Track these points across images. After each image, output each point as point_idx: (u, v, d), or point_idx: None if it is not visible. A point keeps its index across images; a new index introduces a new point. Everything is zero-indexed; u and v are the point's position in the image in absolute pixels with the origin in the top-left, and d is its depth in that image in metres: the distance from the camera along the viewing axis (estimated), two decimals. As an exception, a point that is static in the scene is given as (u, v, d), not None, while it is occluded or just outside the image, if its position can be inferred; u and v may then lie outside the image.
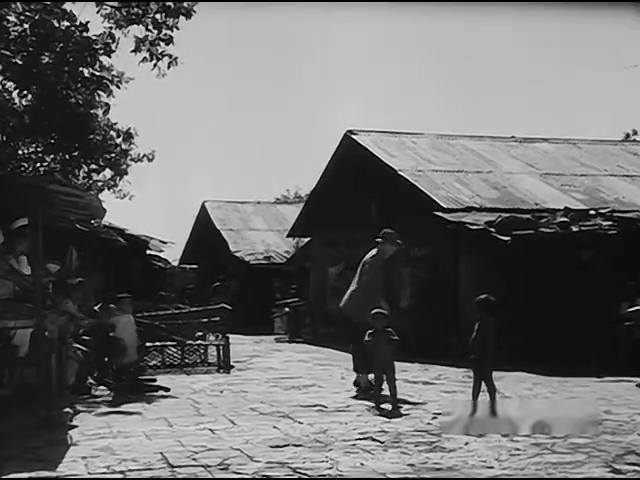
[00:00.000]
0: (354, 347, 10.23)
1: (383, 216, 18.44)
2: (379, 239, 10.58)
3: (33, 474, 5.70)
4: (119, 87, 18.62)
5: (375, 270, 10.47)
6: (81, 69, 17.38)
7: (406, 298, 15.82)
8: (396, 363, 8.98)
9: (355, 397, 9.70)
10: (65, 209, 9.01)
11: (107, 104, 19.47)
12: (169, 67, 16.92)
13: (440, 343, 14.97)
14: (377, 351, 8.79)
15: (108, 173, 22.98)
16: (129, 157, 22.49)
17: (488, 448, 6.43)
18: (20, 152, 20.00)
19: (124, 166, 22.60)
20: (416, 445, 6.59)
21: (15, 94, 18.56)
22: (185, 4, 16.36)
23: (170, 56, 16.91)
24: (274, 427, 7.50)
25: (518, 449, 6.39)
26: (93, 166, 21.34)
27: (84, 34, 16.72)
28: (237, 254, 29.01)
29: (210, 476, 5.65)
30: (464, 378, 10.97)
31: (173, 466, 5.87)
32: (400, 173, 17.62)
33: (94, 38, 16.84)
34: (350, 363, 10.59)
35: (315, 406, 8.86)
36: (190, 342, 13.51)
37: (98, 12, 16.66)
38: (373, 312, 8.93)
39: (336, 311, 21.36)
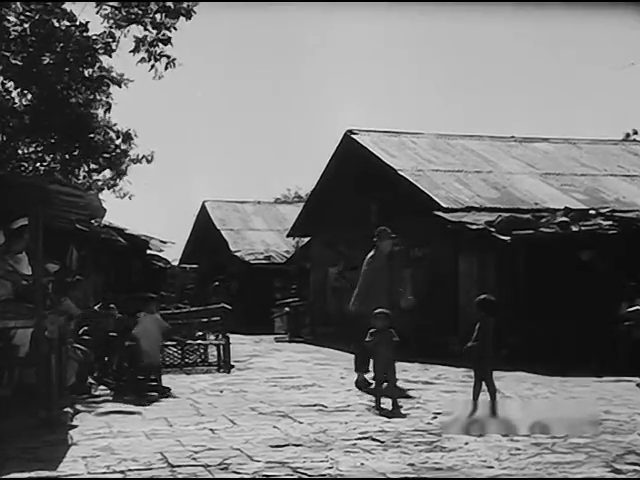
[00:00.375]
0: (357, 346, 10.29)
1: (383, 216, 18.44)
2: (375, 238, 10.96)
3: (33, 474, 5.71)
4: (120, 86, 18.63)
5: (378, 269, 10.67)
6: (81, 69, 17.39)
7: (405, 299, 15.82)
8: (396, 363, 8.98)
9: (367, 392, 9.74)
10: (65, 209, 9.01)
11: (108, 103, 19.49)
12: (166, 68, 16.95)
13: (440, 343, 14.97)
14: (378, 351, 8.79)
15: (108, 173, 22.98)
16: (128, 158, 22.45)
17: (488, 448, 6.44)
18: (20, 152, 19.98)
19: (123, 166, 22.56)
20: (416, 445, 6.59)
21: (15, 94, 18.56)
22: (185, 4, 16.36)
23: (168, 57, 16.94)
24: (274, 427, 7.50)
25: (518, 449, 6.39)
26: (93, 166, 21.32)
27: (84, 34, 16.73)
28: (237, 254, 29.02)
29: (210, 476, 5.65)
30: (464, 378, 10.97)
31: (173, 466, 5.87)
32: (400, 173, 17.62)
33: (94, 38, 16.85)
34: (349, 363, 10.58)
35: (315, 406, 8.86)
36: (190, 342, 13.51)
37: (98, 12, 16.67)
38: (375, 312, 8.91)
39: (336, 311, 21.47)
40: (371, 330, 8.80)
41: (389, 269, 10.87)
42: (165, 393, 10.01)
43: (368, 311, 9.45)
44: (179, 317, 14.55)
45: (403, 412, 8.31)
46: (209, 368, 13.18)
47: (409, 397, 9.33)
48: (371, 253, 11.02)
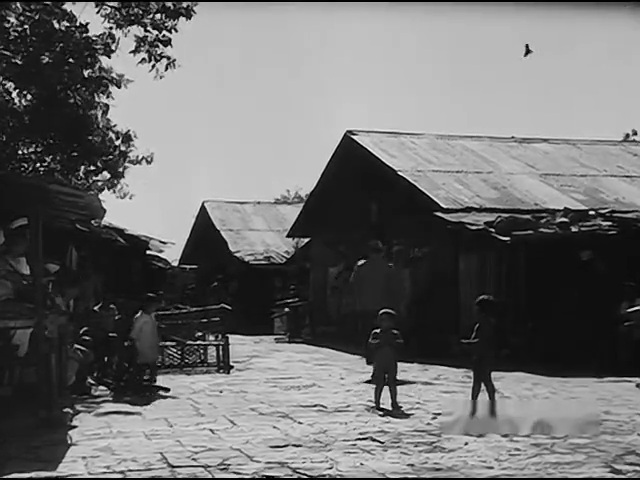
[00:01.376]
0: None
1: (383, 216, 18.46)
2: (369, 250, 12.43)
3: (33, 474, 5.70)
4: (119, 87, 18.65)
5: (364, 275, 11.77)
6: (81, 69, 17.41)
7: (404, 302, 16.05)
8: (398, 364, 8.99)
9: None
10: (65, 209, 9.01)
11: (106, 105, 19.52)
12: (166, 69, 17.01)
13: (440, 343, 14.96)
14: (380, 351, 8.78)
15: (107, 174, 22.94)
16: (127, 159, 22.42)
17: (488, 448, 6.43)
18: (20, 152, 19.99)
19: (121, 169, 22.51)
20: (416, 445, 6.59)
21: (15, 94, 18.58)
22: (185, 4, 16.38)
23: (168, 58, 16.97)
24: (274, 427, 7.50)
25: (518, 449, 6.39)
26: (91, 167, 21.32)
27: (84, 34, 16.76)
28: (237, 254, 29.00)
29: (210, 476, 5.65)
30: (464, 378, 10.97)
31: (173, 466, 5.87)
32: (400, 173, 17.62)
33: (94, 38, 16.87)
34: (349, 363, 10.57)
35: (315, 406, 8.86)
36: (190, 342, 13.50)
37: (98, 12, 16.70)
38: (380, 312, 8.90)
39: (336, 311, 21.45)
40: (375, 330, 8.79)
41: (387, 271, 11.28)
42: (158, 392, 10.03)
43: (365, 310, 9.57)
44: (179, 317, 14.54)
45: (403, 412, 8.31)
46: (209, 368, 13.18)
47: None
48: (362, 262, 12.29)
